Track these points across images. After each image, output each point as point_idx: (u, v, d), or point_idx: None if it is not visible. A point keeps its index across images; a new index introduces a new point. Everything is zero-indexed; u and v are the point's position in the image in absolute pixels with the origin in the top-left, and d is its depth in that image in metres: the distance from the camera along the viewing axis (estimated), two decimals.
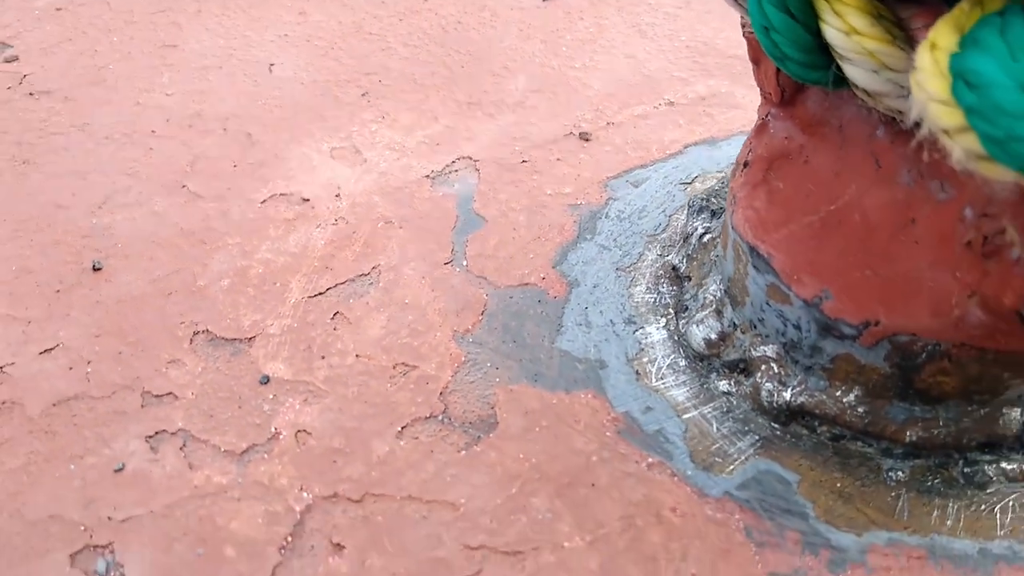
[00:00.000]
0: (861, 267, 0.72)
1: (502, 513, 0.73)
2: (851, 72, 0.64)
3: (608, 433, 0.78)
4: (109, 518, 0.74)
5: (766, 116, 0.81)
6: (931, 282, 0.69)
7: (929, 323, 0.68)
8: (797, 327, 0.75)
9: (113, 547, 0.72)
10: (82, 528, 0.73)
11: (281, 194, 1.04)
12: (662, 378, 0.82)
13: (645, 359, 0.84)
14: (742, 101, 1.12)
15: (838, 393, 0.75)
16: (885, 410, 0.74)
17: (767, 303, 0.77)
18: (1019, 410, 0.72)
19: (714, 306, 0.83)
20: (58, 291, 0.94)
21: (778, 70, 0.77)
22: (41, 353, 0.87)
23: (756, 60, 0.80)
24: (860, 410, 0.74)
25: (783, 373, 0.77)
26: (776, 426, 0.77)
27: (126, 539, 0.72)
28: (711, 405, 0.80)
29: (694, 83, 1.17)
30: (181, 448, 0.78)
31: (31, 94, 1.24)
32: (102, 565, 0.71)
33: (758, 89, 0.81)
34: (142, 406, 0.82)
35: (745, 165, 0.81)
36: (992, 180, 0.57)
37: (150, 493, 0.75)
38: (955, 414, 0.72)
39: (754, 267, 0.77)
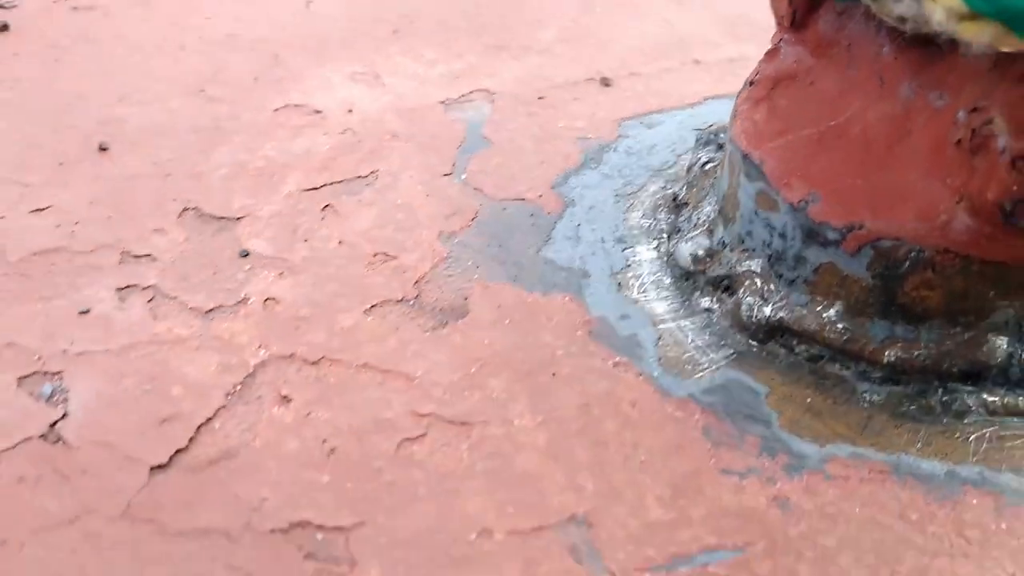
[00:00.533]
0: (853, 175, 0.69)
1: (457, 388, 0.71)
2: None
3: (579, 332, 0.75)
4: (64, 351, 0.73)
5: (778, 42, 0.80)
6: (922, 190, 0.66)
7: (914, 227, 0.66)
8: (783, 235, 0.73)
9: (63, 375, 0.71)
10: (36, 357, 0.73)
11: (295, 105, 1.04)
12: (644, 292, 0.80)
13: (630, 274, 0.82)
14: None
15: (819, 308, 0.72)
16: (866, 327, 0.71)
17: (756, 213, 0.74)
18: (1005, 339, 0.68)
19: (706, 226, 0.81)
20: (62, 164, 0.95)
21: None
22: (32, 212, 0.88)
23: None
24: (840, 326, 0.71)
25: (766, 288, 0.74)
26: (753, 343, 0.74)
27: (77, 370, 0.71)
28: (690, 319, 0.77)
29: (724, 47, 1.16)
30: (149, 301, 0.78)
31: (74, 8, 1.26)
32: (47, 389, 0.70)
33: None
34: (119, 263, 0.82)
35: (750, 84, 0.80)
36: (972, 44, 0.55)
37: (110, 335, 0.75)
38: (937, 336, 0.69)
39: (746, 175, 0.75)
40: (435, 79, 1.09)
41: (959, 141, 0.63)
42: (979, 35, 0.54)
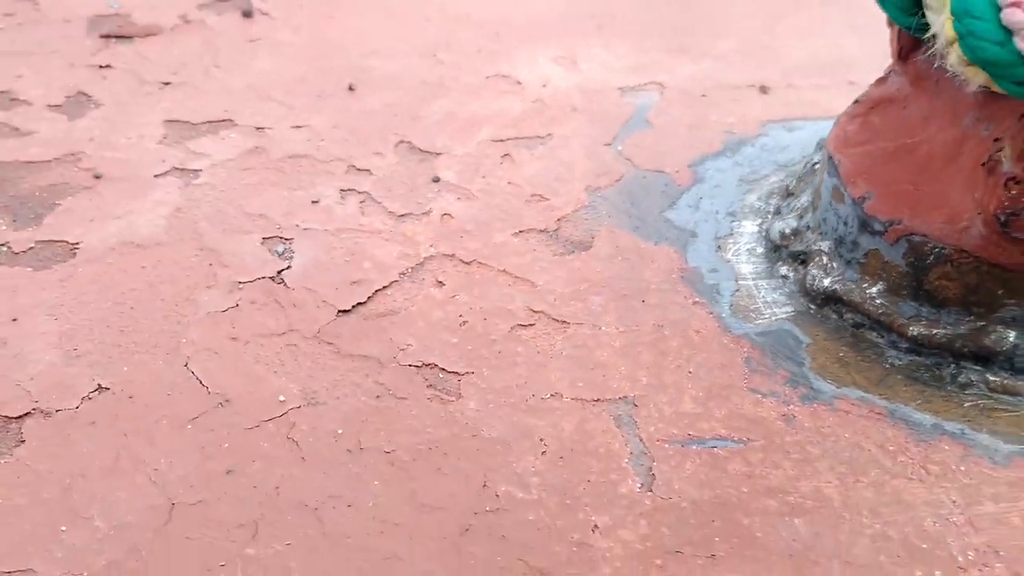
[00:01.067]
0: (907, 183, 0.86)
1: (565, 297, 0.93)
2: (929, 16, 0.80)
3: (673, 275, 0.96)
4: (296, 225, 1.01)
5: (888, 72, 0.96)
6: (955, 201, 0.82)
7: (940, 228, 0.82)
8: (846, 223, 0.90)
9: (292, 241, 0.99)
10: (277, 226, 1.01)
11: (503, 75, 1.29)
12: (737, 255, 0.99)
13: (730, 240, 1.01)
14: None
15: (865, 285, 0.89)
16: (898, 305, 0.87)
17: (830, 203, 0.92)
18: (1014, 333, 0.83)
19: (799, 211, 0.99)
20: (319, 96, 1.24)
21: (900, 29, 0.93)
22: (292, 127, 1.17)
23: (889, 23, 0.95)
24: (879, 302, 0.88)
25: (829, 265, 0.92)
26: (812, 307, 0.92)
27: (302, 239, 0.99)
28: (767, 281, 0.96)
29: (879, 73, 1.31)
30: (361, 202, 1.05)
31: None
32: (281, 248, 0.98)
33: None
34: (346, 172, 1.09)
35: (856, 102, 0.97)
36: (969, 83, 0.72)
37: (329, 219, 1.02)
38: (954, 320, 0.85)
39: (828, 173, 0.92)
40: (620, 68, 1.31)
41: (983, 163, 0.79)
42: (976, 77, 0.71)
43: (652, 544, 0.71)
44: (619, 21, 1.43)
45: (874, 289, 0.88)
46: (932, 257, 0.83)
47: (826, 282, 0.91)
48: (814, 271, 0.92)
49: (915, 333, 0.85)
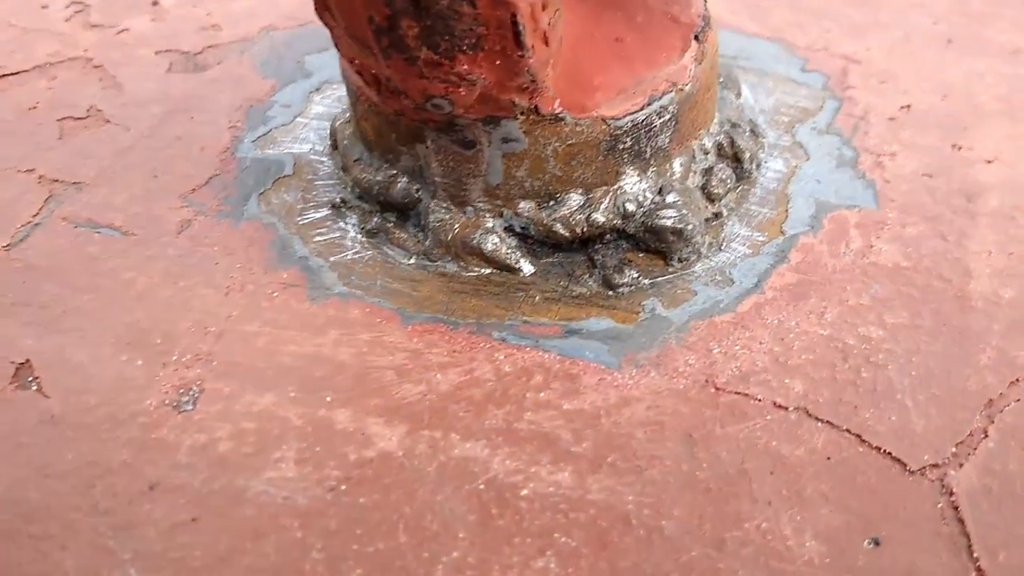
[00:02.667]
0: None
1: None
2: None
3: (245, 104, 1.00)
4: None
5: None
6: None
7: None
8: None
9: None
10: None
11: None
12: (327, 98, 1.01)
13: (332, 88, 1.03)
14: None
15: (347, 124, 0.89)
16: (355, 144, 0.86)
17: None
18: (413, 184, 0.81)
19: None
20: None
21: None
22: None
23: None
24: (346, 142, 0.88)
25: (346, 108, 0.92)
26: (326, 147, 0.93)
27: None
28: (319, 121, 0.97)
29: None
30: (78, 11, 1.18)
31: None
32: None
33: None
34: None
35: None
36: None
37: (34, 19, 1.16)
38: (377, 166, 0.83)
39: None
40: None
41: None
42: None
43: None
44: None
45: (349, 129, 0.88)
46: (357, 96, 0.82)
47: (338, 123, 0.91)
48: (338, 112, 0.93)
49: (356, 175, 0.85)
